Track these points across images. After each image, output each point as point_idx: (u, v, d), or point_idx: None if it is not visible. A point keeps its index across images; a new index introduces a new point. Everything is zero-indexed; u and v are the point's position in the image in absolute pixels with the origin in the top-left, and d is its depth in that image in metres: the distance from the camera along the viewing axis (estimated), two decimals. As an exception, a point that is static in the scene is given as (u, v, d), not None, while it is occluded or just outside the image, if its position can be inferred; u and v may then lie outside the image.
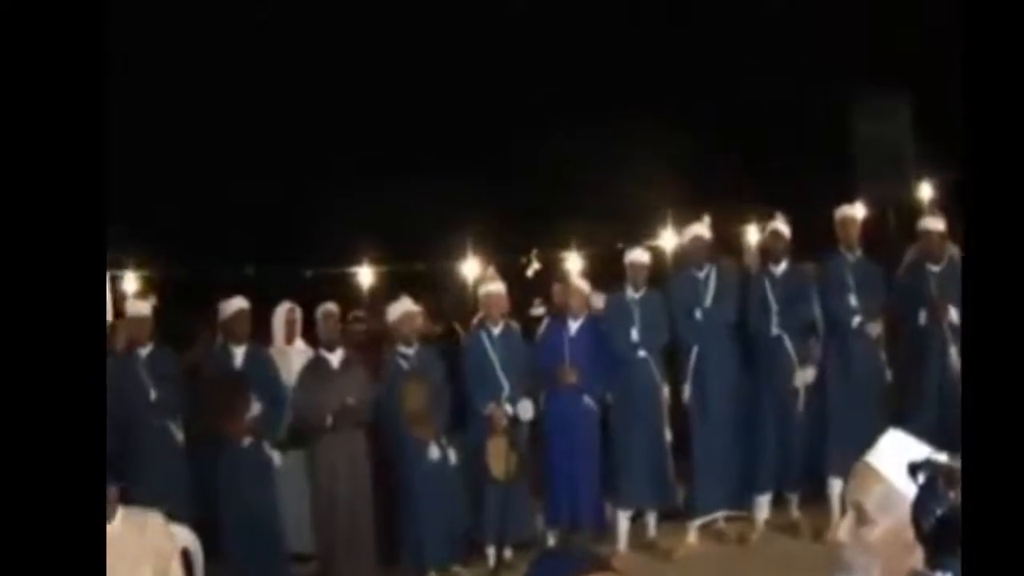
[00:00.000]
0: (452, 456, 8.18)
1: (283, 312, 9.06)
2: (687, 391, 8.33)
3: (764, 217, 8.95)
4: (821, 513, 8.06)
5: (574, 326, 8.47)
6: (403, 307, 8.35)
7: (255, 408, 7.94)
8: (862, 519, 2.02)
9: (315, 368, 8.30)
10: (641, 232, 9.09)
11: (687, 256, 8.78)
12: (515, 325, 8.81)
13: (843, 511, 2.28)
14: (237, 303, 8.22)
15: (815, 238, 8.79)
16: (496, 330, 8.45)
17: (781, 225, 8.43)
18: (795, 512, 8.29)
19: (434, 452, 8.06)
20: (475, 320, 8.91)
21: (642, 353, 8.31)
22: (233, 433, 7.85)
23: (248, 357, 8.17)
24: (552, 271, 9.68)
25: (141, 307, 8.20)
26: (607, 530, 8.40)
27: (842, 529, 2.07)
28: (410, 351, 8.28)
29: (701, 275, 8.41)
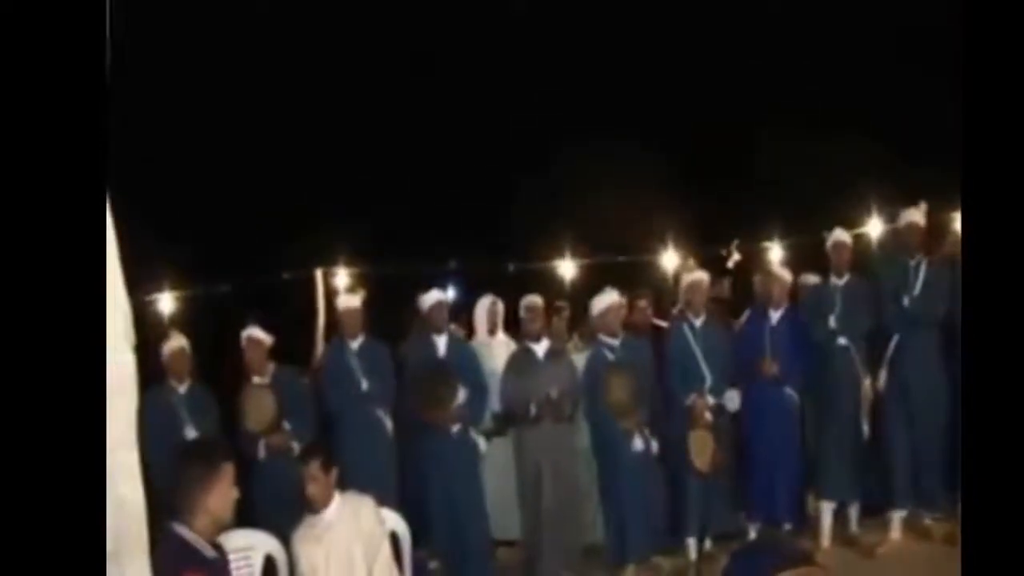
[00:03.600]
0: (655, 447, 8.13)
1: (486, 304, 9.19)
2: (882, 379, 8.08)
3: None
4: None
5: (775, 316, 8.37)
6: (608, 299, 8.38)
7: (461, 396, 8.13)
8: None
9: (521, 358, 8.39)
10: (844, 222, 8.84)
11: (900, 242, 8.45)
12: (717, 316, 8.73)
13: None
14: (435, 295, 8.47)
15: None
16: (698, 321, 8.39)
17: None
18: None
19: (638, 443, 8.01)
20: (676, 311, 8.88)
21: (843, 341, 8.14)
22: (441, 420, 8.03)
23: (450, 346, 8.39)
24: (753, 261, 9.57)
25: (351, 300, 8.52)
26: (807, 523, 8.29)
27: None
28: (615, 342, 8.30)
29: (912, 263, 8.14)
